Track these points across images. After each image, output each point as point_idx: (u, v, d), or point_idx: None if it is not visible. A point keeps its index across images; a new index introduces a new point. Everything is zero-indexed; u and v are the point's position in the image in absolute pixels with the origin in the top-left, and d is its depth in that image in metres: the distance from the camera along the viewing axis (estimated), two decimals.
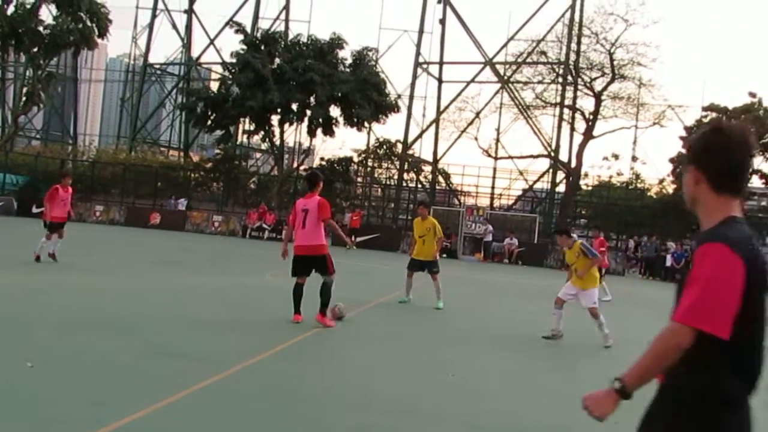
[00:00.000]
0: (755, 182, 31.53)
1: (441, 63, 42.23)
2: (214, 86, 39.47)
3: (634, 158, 37.38)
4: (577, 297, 8.56)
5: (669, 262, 25.88)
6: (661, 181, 36.24)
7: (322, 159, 38.11)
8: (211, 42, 45.16)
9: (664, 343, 1.98)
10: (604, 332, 8.39)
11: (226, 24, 39.39)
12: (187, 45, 46.81)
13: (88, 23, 33.90)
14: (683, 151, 31.37)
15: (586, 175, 36.67)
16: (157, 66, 49.79)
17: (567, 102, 36.05)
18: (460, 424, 4.79)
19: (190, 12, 46.51)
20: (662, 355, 1.98)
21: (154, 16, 46.58)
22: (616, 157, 37.06)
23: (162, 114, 57.18)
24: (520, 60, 37.47)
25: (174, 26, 46.62)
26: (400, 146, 39.91)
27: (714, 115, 30.79)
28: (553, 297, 10.99)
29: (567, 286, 8.81)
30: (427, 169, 41.31)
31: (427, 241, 11.27)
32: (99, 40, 35.72)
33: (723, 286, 1.93)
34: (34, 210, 31.88)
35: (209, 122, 34.95)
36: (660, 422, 2.12)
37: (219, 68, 44.35)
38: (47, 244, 12.82)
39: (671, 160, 31.83)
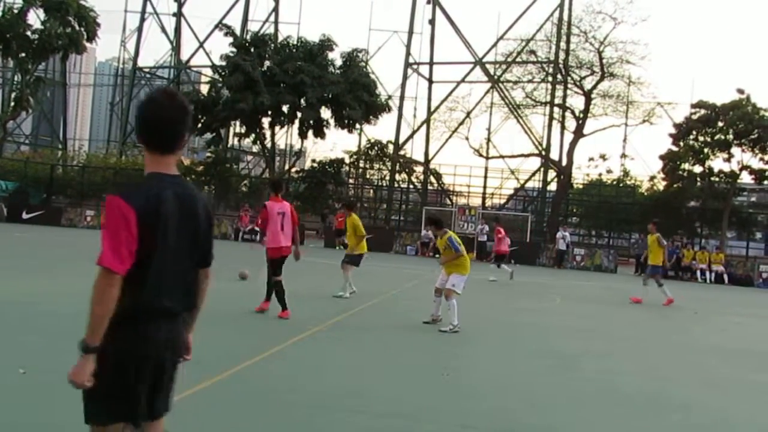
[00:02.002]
0: (745, 178, 31.68)
1: (431, 63, 42.29)
2: (204, 89, 39.42)
3: (624, 156, 37.59)
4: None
5: None
6: (652, 178, 36.42)
7: (313, 161, 38.12)
8: (201, 45, 45.05)
9: (96, 288, 2.36)
10: (453, 320, 8.70)
11: (216, 27, 39.31)
12: (176, 48, 46.67)
13: (77, 27, 33.79)
14: (673, 148, 31.54)
15: (574, 178, 36.83)
16: (147, 69, 49.61)
17: (557, 101, 36.16)
18: (454, 424, 4.77)
19: (178, 15, 46.37)
20: (99, 298, 2.35)
21: (142, 20, 46.46)
22: (603, 157, 37.26)
23: None
24: (509, 59, 37.57)
25: (163, 30, 46.49)
26: (391, 147, 39.93)
27: (703, 111, 30.93)
28: (546, 295, 11.05)
29: (441, 276, 9.45)
30: (419, 169, 41.36)
31: (348, 237, 12.22)
32: (88, 44, 35.62)
33: (116, 232, 2.32)
34: (25, 216, 31.73)
35: (199, 125, 34.83)
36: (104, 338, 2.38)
37: (209, 71, 44.23)
38: None
39: (661, 157, 31.93)
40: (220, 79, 34.98)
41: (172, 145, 2.50)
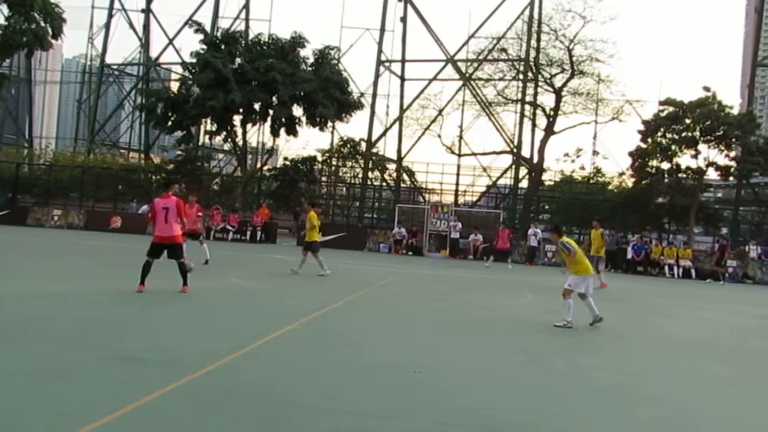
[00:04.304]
0: (711, 174, 32.28)
1: (403, 61, 42.33)
2: (174, 87, 38.94)
3: (594, 153, 38.08)
4: None
5: (630, 254, 26.34)
6: (621, 175, 36.92)
7: (285, 159, 37.94)
8: (170, 42, 44.47)
9: None
10: (566, 317, 9.30)
11: (185, 23, 38.85)
12: (145, 45, 46.04)
13: (42, 23, 33.13)
14: (642, 145, 32.02)
15: (546, 170, 37.23)
16: (115, 66, 48.87)
17: (528, 98, 36.48)
18: (429, 422, 4.80)
19: (147, 11, 45.75)
20: None
21: (110, 16, 45.70)
22: (578, 153, 37.63)
23: (121, 115, 56.14)
24: (481, 57, 37.79)
25: (131, 26, 45.80)
26: (364, 145, 39.89)
27: (670, 109, 31.44)
28: (516, 291, 11.15)
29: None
30: (392, 167, 41.40)
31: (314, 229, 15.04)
32: (53, 41, 34.92)
33: None
34: None
35: (170, 123, 34.41)
36: None
37: (179, 68, 43.72)
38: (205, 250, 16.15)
39: (630, 154, 32.39)
40: (191, 77, 34.58)
41: None
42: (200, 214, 18.82)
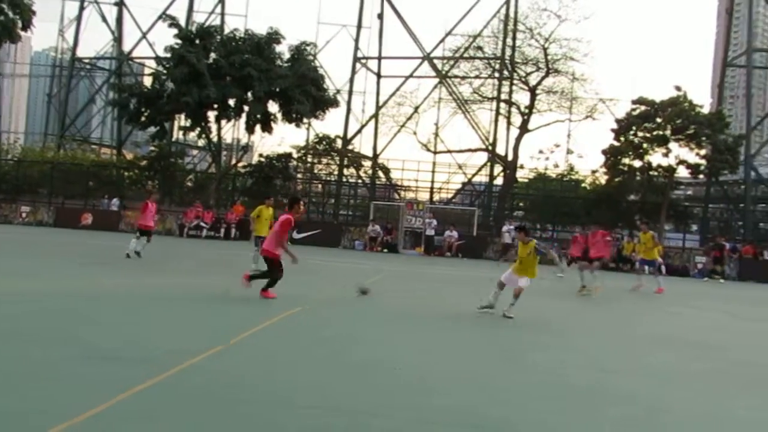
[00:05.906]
0: (681, 172, 32.78)
1: (380, 58, 42.29)
2: (148, 81, 38.46)
3: (569, 150, 38.45)
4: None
5: None
6: (594, 172, 37.34)
7: (260, 155, 37.71)
8: (144, 36, 43.87)
9: None
10: (510, 311, 9.60)
11: (159, 17, 38.39)
12: (118, 39, 45.38)
13: (10, 15, 32.52)
14: (615, 143, 32.42)
15: (521, 167, 37.51)
16: (87, 60, 48.09)
17: (503, 96, 36.71)
18: (410, 419, 4.80)
19: (120, 4, 45.08)
20: None
21: (82, 8, 44.95)
22: (553, 150, 37.93)
23: (92, 110, 55.26)
24: (457, 55, 37.92)
25: (104, 19, 45.10)
26: (339, 142, 39.80)
27: (643, 108, 31.87)
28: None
29: (508, 272, 10.92)
30: (367, 164, 41.38)
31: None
32: (22, 33, 34.31)
33: None
34: None
35: (143, 119, 33.96)
36: None
37: (152, 63, 43.15)
38: (135, 244, 16.30)
39: (603, 152, 32.77)
40: (164, 72, 34.15)
41: None
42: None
